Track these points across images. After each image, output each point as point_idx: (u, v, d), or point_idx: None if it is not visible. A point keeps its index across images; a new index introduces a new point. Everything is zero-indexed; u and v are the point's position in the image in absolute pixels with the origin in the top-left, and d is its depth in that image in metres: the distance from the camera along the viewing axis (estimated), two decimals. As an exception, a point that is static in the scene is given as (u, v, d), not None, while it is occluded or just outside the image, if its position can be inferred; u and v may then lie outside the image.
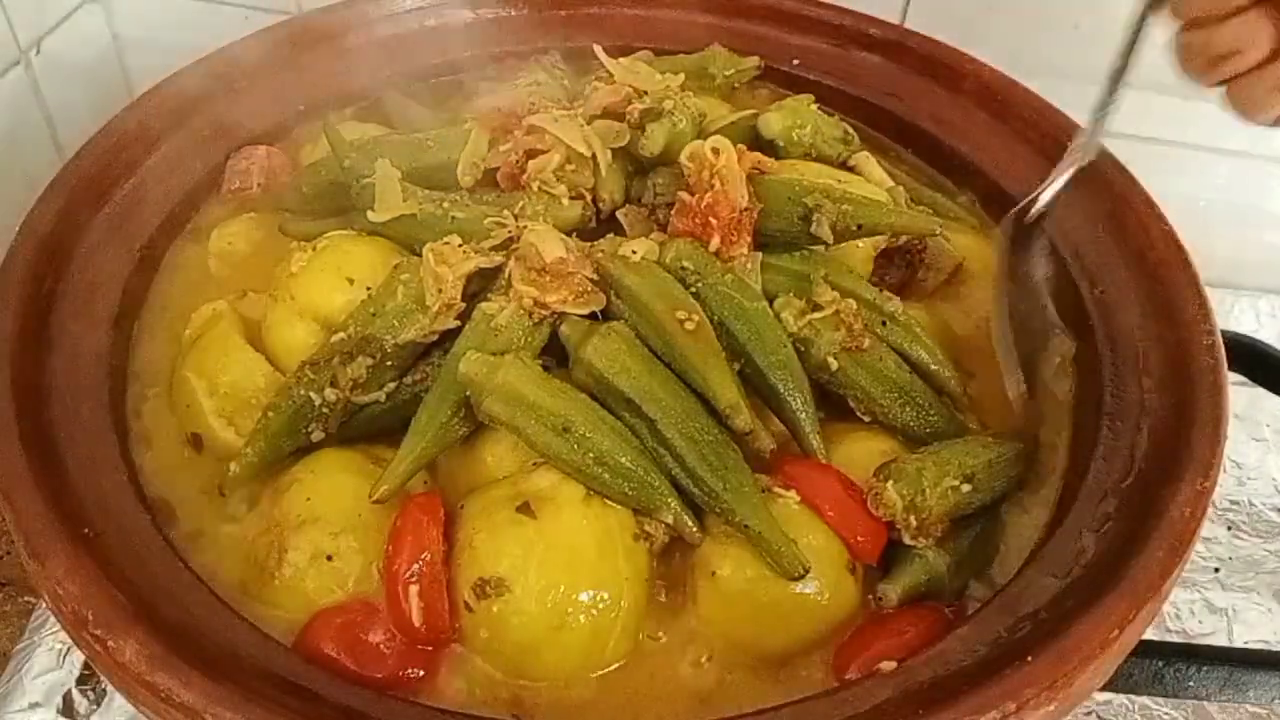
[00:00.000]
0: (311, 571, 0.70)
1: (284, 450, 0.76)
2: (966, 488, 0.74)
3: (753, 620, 0.71)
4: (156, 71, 0.98)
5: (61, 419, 0.75)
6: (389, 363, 0.77)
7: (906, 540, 0.73)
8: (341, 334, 0.77)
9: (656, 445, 0.73)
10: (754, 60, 1.09)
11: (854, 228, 0.81)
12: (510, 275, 0.78)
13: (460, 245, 0.79)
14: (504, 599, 0.67)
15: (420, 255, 0.79)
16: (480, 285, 0.80)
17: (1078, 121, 0.93)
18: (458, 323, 0.77)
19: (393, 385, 0.78)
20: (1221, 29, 0.69)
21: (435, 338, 0.78)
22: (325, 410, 0.76)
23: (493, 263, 0.79)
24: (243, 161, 0.98)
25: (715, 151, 0.82)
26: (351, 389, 0.76)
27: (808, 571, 0.69)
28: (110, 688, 0.85)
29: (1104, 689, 0.69)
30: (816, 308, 0.79)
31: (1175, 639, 1.00)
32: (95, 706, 0.88)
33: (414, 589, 0.68)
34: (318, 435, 0.76)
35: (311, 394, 0.75)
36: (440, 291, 0.77)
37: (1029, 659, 0.61)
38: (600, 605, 0.68)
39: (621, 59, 0.98)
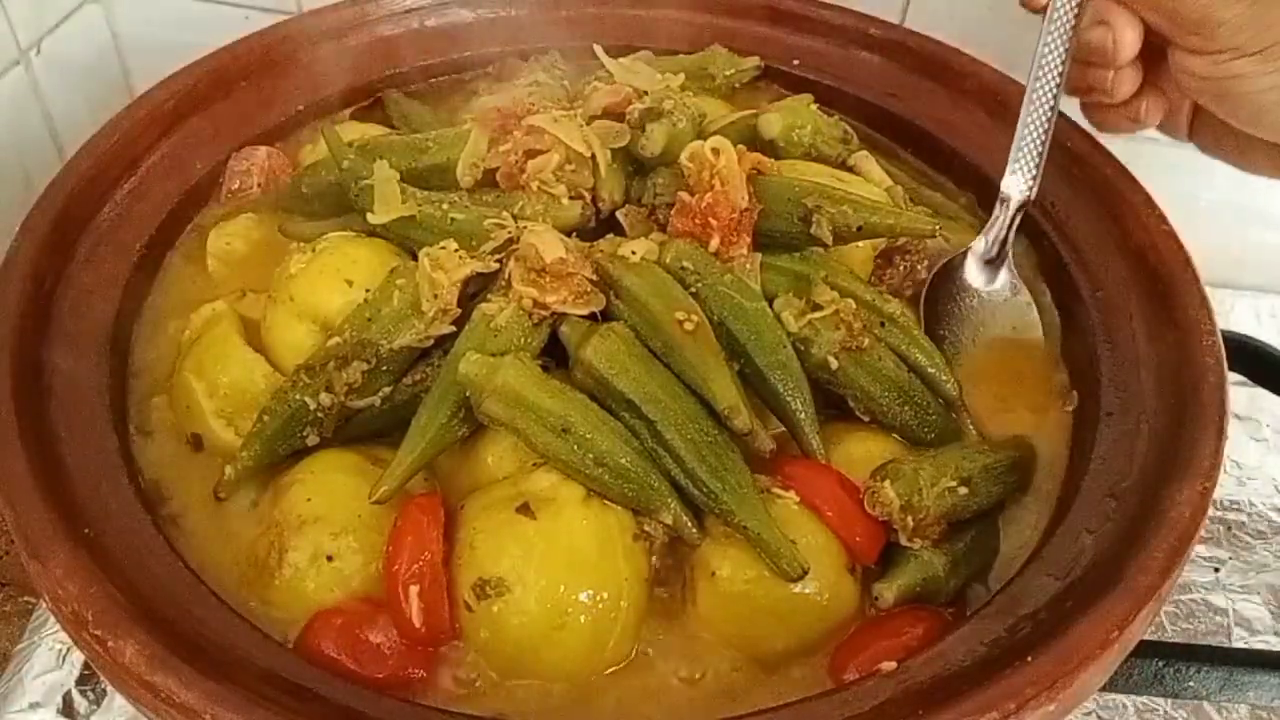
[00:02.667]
0: (312, 572, 0.70)
1: (279, 454, 0.76)
2: (963, 490, 0.74)
3: (752, 621, 0.71)
4: (156, 71, 0.98)
5: (61, 419, 0.75)
6: (384, 368, 0.77)
7: (903, 541, 0.73)
8: (337, 338, 0.77)
9: (656, 446, 0.73)
10: (754, 60, 1.09)
11: (854, 229, 0.81)
12: (510, 276, 0.78)
13: (456, 250, 0.79)
14: (504, 599, 0.67)
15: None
16: (478, 287, 0.80)
17: (1077, 122, 0.93)
18: (453, 328, 0.77)
19: (388, 390, 0.77)
20: (1097, 71, 0.84)
21: (431, 343, 0.78)
22: (320, 415, 0.75)
23: (489, 268, 0.79)
24: (243, 162, 0.98)
25: (715, 152, 0.82)
26: (346, 394, 0.76)
27: (807, 572, 0.69)
28: (110, 688, 0.85)
29: (1104, 689, 0.69)
30: (816, 308, 0.79)
31: (1175, 639, 1.00)
32: (95, 706, 0.88)
33: (414, 589, 0.68)
34: (313, 439, 0.76)
35: (307, 398, 0.75)
36: (436, 297, 0.77)
37: (1029, 659, 0.61)
38: (600, 605, 0.68)
39: (621, 59, 0.98)
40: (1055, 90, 0.83)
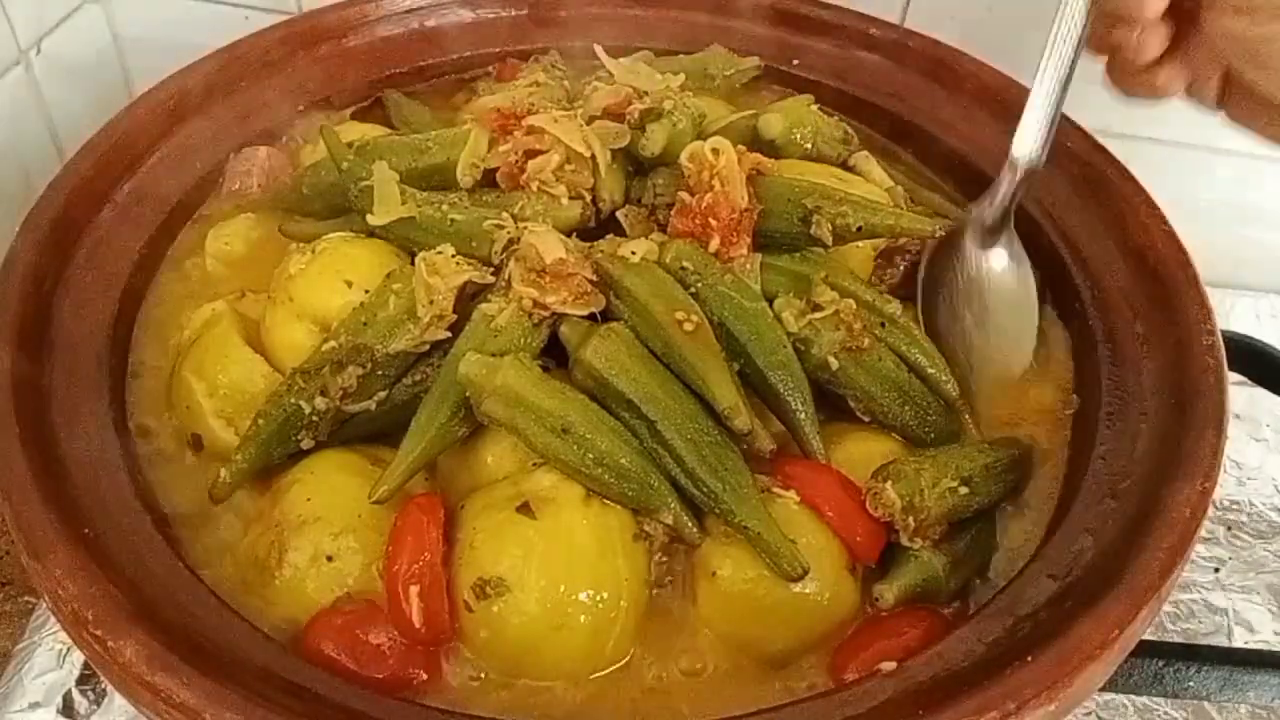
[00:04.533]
0: (312, 572, 0.70)
1: (274, 457, 0.76)
2: (964, 490, 0.74)
3: (753, 620, 0.71)
4: (156, 71, 0.99)
5: (61, 419, 0.75)
6: (380, 372, 0.77)
7: (904, 541, 0.73)
8: (332, 342, 0.77)
9: (656, 446, 0.73)
10: (754, 60, 1.09)
11: (853, 229, 0.81)
12: (510, 276, 0.78)
13: (454, 256, 0.79)
14: (504, 599, 0.67)
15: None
16: (478, 289, 0.80)
17: (1077, 122, 0.93)
18: (448, 334, 0.77)
19: (383, 394, 0.77)
20: (1122, 29, 0.79)
21: (426, 348, 0.78)
22: (315, 418, 0.75)
23: (484, 280, 0.79)
24: (243, 162, 0.98)
25: (715, 152, 0.82)
26: (341, 398, 0.76)
27: (807, 572, 0.69)
28: (110, 688, 0.85)
29: (1104, 689, 0.69)
30: (816, 308, 0.79)
31: (1175, 639, 1.00)
32: (95, 706, 0.88)
33: (414, 589, 0.68)
34: (308, 443, 0.76)
35: (302, 402, 0.75)
36: (432, 302, 0.77)
37: (1029, 659, 0.61)
38: (600, 605, 0.68)
39: (621, 59, 0.98)
40: (1075, 49, 0.78)
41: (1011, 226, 0.85)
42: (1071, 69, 0.79)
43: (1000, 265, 0.85)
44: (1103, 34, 0.80)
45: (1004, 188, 0.83)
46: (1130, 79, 0.83)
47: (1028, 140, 0.81)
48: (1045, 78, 0.80)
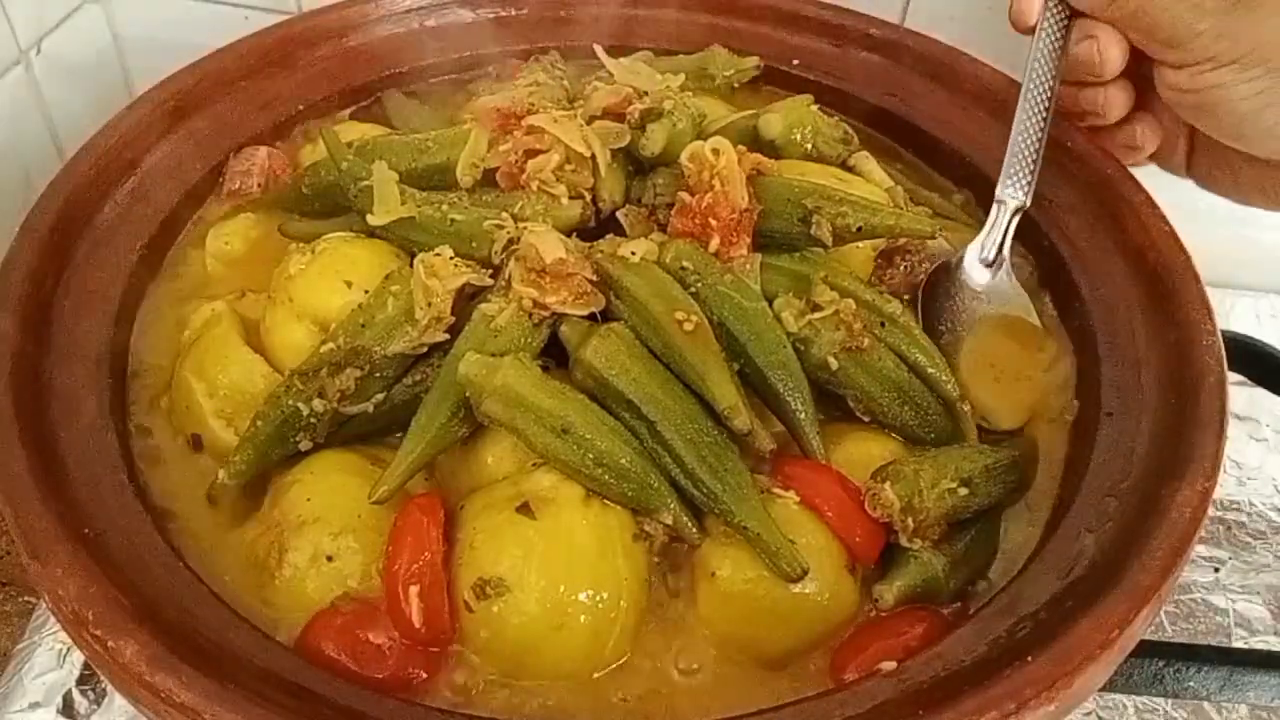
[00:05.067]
0: (312, 572, 0.70)
1: (272, 459, 0.76)
2: (964, 491, 0.74)
3: (752, 620, 0.71)
4: (156, 71, 0.98)
5: (61, 419, 0.75)
6: (378, 374, 0.77)
7: (903, 542, 0.73)
8: (330, 344, 0.77)
9: (656, 446, 0.73)
10: (754, 60, 1.09)
11: (853, 229, 0.81)
12: (510, 276, 0.78)
13: (452, 258, 0.79)
14: (504, 599, 0.67)
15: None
16: (474, 290, 0.80)
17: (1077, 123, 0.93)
18: (446, 336, 0.77)
19: (381, 396, 0.77)
20: (1088, 91, 0.88)
21: (424, 350, 0.78)
22: (313, 420, 0.75)
23: (483, 282, 0.79)
24: (243, 162, 0.98)
25: (715, 152, 0.82)
26: (339, 400, 0.75)
27: (806, 572, 0.69)
28: (110, 688, 0.85)
29: (1104, 689, 0.69)
30: (816, 308, 0.79)
31: (1175, 639, 1.00)
32: (95, 706, 0.89)
33: (414, 589, 0.68)
34: (305, 445, 0.76)
35: (299, 404, 0.75)
36: (429, 305, 0.76)
37: (1029, 659, 0.61)
38: (600, 605, 0.68)
39: (621, 59, 0.98)
40: (1048, 101, 0.85)
41: (1007, 259, 0.88)
42: (1049, 107, 0.85)
43: (999, 297, 0.88)
44: (1070, 99, 0.88)
45: (995, 225, 0.88)
46: (1109, 140, 0.91)
47: (1013, 183, 0.87)
48: (1023, 127, 0.86)
